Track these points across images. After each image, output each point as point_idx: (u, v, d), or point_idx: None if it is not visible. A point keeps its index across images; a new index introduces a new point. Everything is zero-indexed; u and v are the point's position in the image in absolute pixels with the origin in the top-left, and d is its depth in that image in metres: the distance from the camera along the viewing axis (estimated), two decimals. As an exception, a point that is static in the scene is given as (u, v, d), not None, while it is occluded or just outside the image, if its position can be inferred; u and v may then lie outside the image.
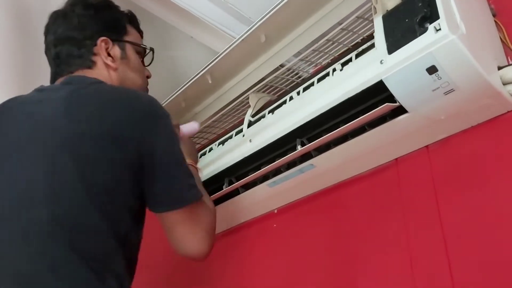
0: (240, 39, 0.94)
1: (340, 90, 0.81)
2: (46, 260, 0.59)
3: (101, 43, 0.81)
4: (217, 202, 1.08)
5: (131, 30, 0.88)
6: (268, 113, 1.02)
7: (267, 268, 1.09)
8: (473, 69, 0.65)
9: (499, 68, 0.71)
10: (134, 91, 0.76)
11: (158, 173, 0.68)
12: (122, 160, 0.66)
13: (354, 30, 0.93)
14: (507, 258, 0.65)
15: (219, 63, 1.01)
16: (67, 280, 0.59)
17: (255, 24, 0.91)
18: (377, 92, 0.77)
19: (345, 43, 0.97)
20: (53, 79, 0.82)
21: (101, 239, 0.63)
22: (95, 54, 0.81)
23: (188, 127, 0.99)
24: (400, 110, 0.76)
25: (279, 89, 1.16)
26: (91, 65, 0.80)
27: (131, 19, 0.90)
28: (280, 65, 1.08)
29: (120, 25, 0.86)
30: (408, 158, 0.87)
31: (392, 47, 0.72)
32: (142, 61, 0.90)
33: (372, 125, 0.83)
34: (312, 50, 0.97)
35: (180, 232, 0.70)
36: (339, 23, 0.92)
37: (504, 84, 0.70)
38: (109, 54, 0.82)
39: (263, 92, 1.17)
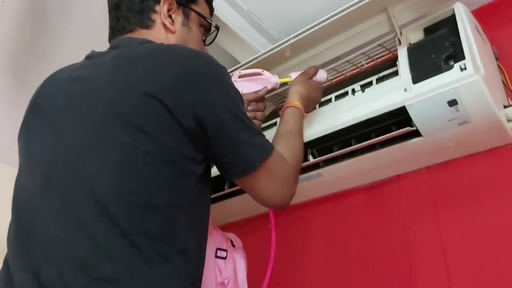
0: (269, 53, 1.00)
1: (361, 110, 0.88)
2: (97, 240, 0.54)
3: (165, 2, 0.77)
4: (216, 200, 1.12)
5: (201, 1, 0.83)
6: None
7: (259, 267, 1.14)
8: (488, 106, 0.75)
9: (505, 106, 0.82)
10: (187, 49, 0.69)
11: (222, 140, 0.63)
12: (177, 126, 0.59)
13: (372, 56, 1.01)
14: (502, 272, 0.75)
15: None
16: (125, 261, 0.53)
17: (287, 41, 0.96)
18: (395, 116, 0.85)
19: (360, 65, 1.05)
20: (111, 33, 0.78)
21: (159, 214, 0.57)
22: (155, 12, 0.76)
23: (322, 75, 0.93)
24: (415, 134, 0.85)
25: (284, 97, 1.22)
26: (149, 24, 0.75)
27: None
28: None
29: None
30: (409, 176, 0.97)
31: (417, 78, 0.81)
32: (204, 39, 0.86)
33: (383, 144, 0.91)
34: (331, 68, 1.05)
35: (256, 190, 0.67)
36: (360, 47, 0.99)
37: (508, 121, 0.81)
38: (170, 16, 0.77)
39: (269, 101, 1.23)
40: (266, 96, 0.96)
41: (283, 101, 1.20)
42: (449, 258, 0.82)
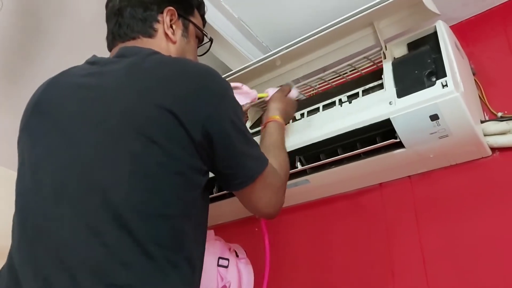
0: (260, 63, 1.02)
1: (348, 121, 0.92)
2: (110, 248, 0.55)
3: (168, 12, 0.78)
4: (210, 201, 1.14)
5: (197, 14, 0.86)
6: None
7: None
8: (466, 121, 0.80)
9: (482, 121, 0.88)
10: (196, 63, 0.71)
11: (227, 153, 0.65)
12: (188, 139, 0.61)
13: (357, 67, 1.05)
14: (478, 280, 0.80)
15: (231, 79, 1.07)
16: (137, 268, 0.54)
17: (278, 52, 0.99)
18: (380, 127, 0.89)
19: (345, 75, 1.09)
20: (112, 39, 0.78)
21: (170, 223, 0.59)
22: (158, 22, 0.78)
23: (294, 93, 1.00)
24: (398, 145, 0.89)
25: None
26: (152, 33, 0.77)
27: (200, 5, 0.88)
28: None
29: (189, 4, 0.84)
30: (392, 185, 1.01)
31: (401, 92, 0.85)
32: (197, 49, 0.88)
33: (368, 154, 0.95)
34: (318, 78, 1.08)
35: (252, 201, 0.70)
36: (346, 59, 1.03)
37: (485, 135, 0.86)
38: (171, 26, 0.79)
39: (258, 107, 1.26)
40: (255, 102, 1.00)
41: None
42: (428, 264, 0.87)
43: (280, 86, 1.02)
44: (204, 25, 0.91)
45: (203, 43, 0.90)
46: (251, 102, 0.96)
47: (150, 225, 0.57)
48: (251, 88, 1.02)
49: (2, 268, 0.64)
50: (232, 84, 0.96)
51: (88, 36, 1.18)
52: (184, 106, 0.61)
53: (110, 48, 0.80)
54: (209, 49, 0.92)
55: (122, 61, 0.70)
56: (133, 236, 0.56)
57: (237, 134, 0.67)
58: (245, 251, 1.00)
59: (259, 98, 0.98)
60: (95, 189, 0.58)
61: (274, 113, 0.91)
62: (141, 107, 0.61)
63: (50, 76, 1.33)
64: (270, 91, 0.99)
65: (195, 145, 0.62)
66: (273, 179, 0.72)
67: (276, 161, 0.77)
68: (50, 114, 0.67)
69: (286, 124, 0.98)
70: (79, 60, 1.06)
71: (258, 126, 1.14)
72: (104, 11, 0.84)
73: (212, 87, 0.66)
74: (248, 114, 1.21)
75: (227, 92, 0.68)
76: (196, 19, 0.86)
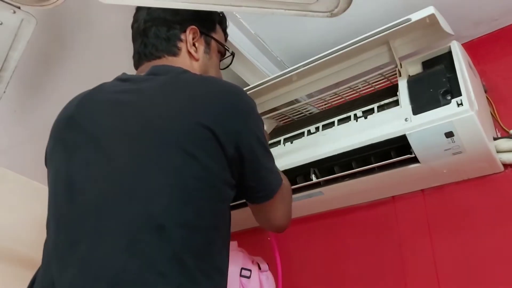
0: (278, 79, 1.05)
1: (364, 136, 0.95)
2: (148, 256, 0.56)
3: (190, 31, 0.81)
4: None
5: (219, 29, 0.89)
6: (285, 141, 1.14)
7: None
8: (481, 139, 0.83)
9: (494, 138, 0.90)
10: (225, 82, 0.74)
11: (253, 167, 0.69)
12: (222, 154, 0.64)
13: (371, 83, 1.08)
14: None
15: (250, 94, 1.10)
16: (173, 278, 0.56)
17: (296, 69, 1.02)
18: (395, 142, 0.92)
19: (359, 90, 1.12)
20: (138, 58, 0.82)
21: (203, 234, 0.62)
22: (181, 41, 0.81)
23: None
24: (413, 160, 0.92)
25: (286, 116, 1.28)
26: (176, 51, 0.80)
27: (222, 20, 0.91)
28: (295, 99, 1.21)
29: (211, 21, 0.87)
30: (405, 198, 1.04)
31: (417, 109, 0.88)
32: (219, 63, 0.91)
33: (382, 168, 0.98)
34: (332, 92, 1.11)
35: (270, 213, 0.75)
36: (362, 75, 1.06)
37: (497, 152, 0.89)
38: (194, 44, 0.82)
39: (271, 119, 1.29)
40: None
41: (287, 120, 1.27)
42: (441, 276, 0.89)
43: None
44: (226, 39, 0.94)
45: (225, 57, 0.93)
46: None
47: (186, 236, 0.60)
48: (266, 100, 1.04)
49: (33, 279, 0.67)
50: None
51: (109, 49, 1.22)
52: (219, 124, 0.65)
53: (136, 67, 0.84)
54: (231, 63, 0.96)
55: (156, 79, 0.73)
56: (170, 246, 0.58)
57: (262, 150, 0.71)
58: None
59: None
60: (135, 200, 0.60)
61: None
62: (180, 124, 0.64)
63: (71, 89, 1.37)
64: None
65: (228, 160, 0.65)
66: (287, 193, 0.78)
67: (284, 177, 0.81)
68: (85, 128, 0.69)
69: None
70: (98, 71, 1.10)
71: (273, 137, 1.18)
72: (124, 25, 0.87)
73: (242, 105, 0.70)
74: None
75: (254, 110, 0.73)
76: (218, 34, 0.90)
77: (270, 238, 1.24)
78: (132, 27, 0.85)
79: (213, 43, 0.87)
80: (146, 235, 0.58)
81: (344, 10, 0.69)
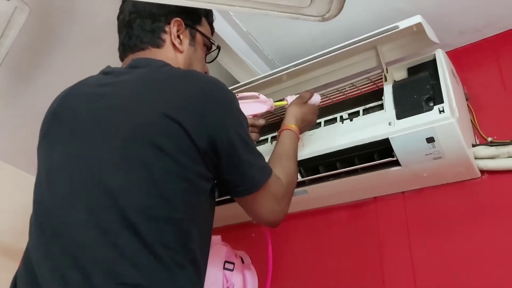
0: (268, 78, 1.07)
1: (349, 138, 0.97)
2: (121, 248, 0.58)
3: (175, 23, 0.82)
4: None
5: (204, 22, 0.89)
6: (272, 139, 1.16)
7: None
8: (460, 145, 0.87)
9: (473, 145, 0.94)
10: (203, 75, 0.75)
11: (231, 161, 0.69)
12: (193, 147, 0.64)
13: (358, 86, 1.11)
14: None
15: (239, 91, 1.12)
16: (147, 268, 0.58)
17: (286, 69, 1.05)
18: (378, 145, 0.95)
19: (346, 92, 1.15)
20: (123, 50, 0.83)
21: (177, 227, 0.63)
22: (165, 32, 0.81)
23: (316, 98, 1.01)
24: (394, 163, 0.95)
25: (274, 115, 1.30)
26: (160, 43, 0.80)
27: (208, 13, 0.91)
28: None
29: (196, 14, 0.87)
30: (386, 199, 1.07)
31: (400, 114, 0.91)
32: (205, 56, 0.91)
33: (365, 170, 1.01)
34: (321, 93, 1.14)
35: (254, 208, 0.74)
36: (349, 78, 1.09)
37: (475, 158, 0.93)
38: (178, 36, 0.82)
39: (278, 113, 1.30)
40: (272, 110, 1.02)
41: (275, 118, 1.29)
42: (418, 275, 0.93)
43: (299, 93, 1.02)
44: (212, 33, 0.95)
45: (211, 50, 0.93)
46: (267, 111, 0.99)
47: (158, 228, 0.61)
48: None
49: (18, 269, 0.68)
50: (249, 94, 1.00)
51: (99, 40, 1.22)
52: (188, 116, 0.65)
53: (122, 58, 0.84)
54: (216, 56, 0.96)
55: (135, 72, 0.74)
56: (142, 238, 0.59)
57: (242, 144, 0.70)
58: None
59: (277, 106, 1.01)
60: (107, 193, 0.61)
61: (290, 122, 0.92)
62: (150, 117, 0.65)
63: (58, 78, 1.36)
64: (289, 99, 1.00)
65: (200, 153, 0.65)
66: (277, 188, 0.76)
67: (282, 171, 0.80)
68: (66, 122, 0.71)
69: (308, 131, 1.01)
70: (89, 62, 1.10)
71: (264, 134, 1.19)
72: (115, 16, 0.87)
73: (217, 98, 0.70)
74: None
75: (232, 103, 0.72)
76: (204, 27, 0.90)
77: (255, 235, 1.26)
78: (118, 18, 0.86)
79: (198, 36, 0.87)
80: (118, 228, 0.59)
81: (335, 15, 0.71)
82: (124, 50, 0.83)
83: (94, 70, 0.82)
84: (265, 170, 0.75)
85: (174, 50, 0.82)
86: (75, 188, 0.64)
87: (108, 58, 0.85)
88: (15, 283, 0.67)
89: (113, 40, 0.93)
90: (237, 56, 1.16)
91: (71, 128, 0.70)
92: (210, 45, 0.92)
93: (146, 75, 0.72)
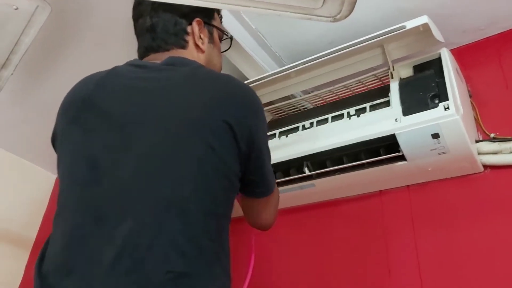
0: (277, 75, 1.11)
1: (356, 133, 1.01)
2: (170, 238, 0.61)
3: (196, 24, 0.83)
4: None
5: (216, 15, 0.91)
6: (280, 134, 1.19)
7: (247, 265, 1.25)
8: (464, 141, 0.90)
9: (476, 141, 0.97)
10: (240, 81, 0.78)
11: (257, 164, 0.74)
12: (236, 148, 0.69)
13: (364, 83, 1.14)
14: (469, 285, 0.91)
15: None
16: (192, 258, 0.61)
17: (295, 67, 1.08)
18: (384, 141, 0.98)
19: (353, 89, 1.18)
20: (145, 51, 0.84)
21: (218, 221, 0.67)
22: (188, 34, 0.83)
23: None
24: (400, 158, 0.99)
25: (282, 110, 1.33)
26: (184, 45, 0.82)
27: None
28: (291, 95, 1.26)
29: (210, 9, 0.88)
30: (391, 192, 1.11)
31: (407, 111, 0.95)
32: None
33: (371, 164, 1.04)
34: (327, 90, 1.17)
35: (260, 209, 0.81)
36: (356, 75, 1.12)
37: (478, 153, 0.96)
38: (200, 36, 0.84)
39: (267, 112, 1.34)
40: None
41: (283, 114, 1.32)
42: (423, 267, 0.96)
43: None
44: (221, 20, 0.96)
45: (223, 39, 0.96)
46: None
47: (205, 222, 0.65)
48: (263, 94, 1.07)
49: (42, 255, 0.68)
50: None
51: (112, 39, 1.24)
52: (237, 120, 0.69)
53: (142, 57, 0.85)
54: (230, 46, 0.99)
55: (175, 69, 0.76)
56: (190, 230, 0.63)
57: (266, 150, 0.77)
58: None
59: None
60: (160, 186, 0.64)
61: None
62: (203, 116, 0.68)
63: (71, 74, 1.38)
64: None
65: (239, 154, 0.70)
66: (277, 195, 0.85)
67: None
68: (104, 111, 0.71)
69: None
70: (101, 61, 1.12)
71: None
72: (130, 16, 0.88)
73: (255, 104, 0.75)
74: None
75: (263, 110, 0.78)
76: (216, 20, 0.92)
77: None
78: (136, 21, 0.86)
79: (214, 31, 0.89)
80: (171, 217, 0.62)
81: (346, 16, 0.74)
82: (147, 51, 0.84)
83: (106, 68, 0.81)
84: (274, 178, 0.82)
85: (196, 51, 0.84)
86: (130, 180, 0.65)
87: (122, 57, 0.86)
88: (42, 256, 0.67)
89: (126, 39, 0.95)
90: (246, 52, 1.18)
91: (112, 119, 0.70)
92: (222, 36, 0.95)
93: (191, 75, 0.74)
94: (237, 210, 0.80)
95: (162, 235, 0.61)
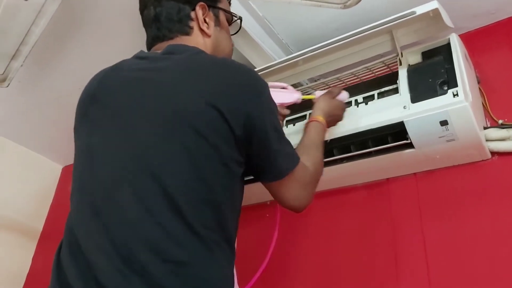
0: (285, 63, 1.10)
1: (364, 121, 1.01)
2: (165, 228, 0.62)
3: (199, 8, 0.83)
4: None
5: None
6: (287, 122, 1.19)
7: (254, 255, 1.27)
8: (473, 128, 0.90)
9: (484, 128, 0.97)
10: (238, 64, 0.77)
11: (263, 148, 0.72)
12: (230, 133, 0.68)
13: (373, 70, 1.14)
14: (476, 270, 0.91)
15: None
16: (189, 247, 0.62)
17: (303, 55, 1.08)
18: (392, 128, 0.98)
19: (361, 76, 1.18)
20: (152, 41, 0.84)
21: (215, 208, 0.67)
22: (192, 20, 0.83)
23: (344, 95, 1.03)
24: (408, 146, 0.99)
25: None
26: (189, 31, 0.82)
27: None
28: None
29: None
30: (398, 180, 1.11)
31: (415, 98, 0.94)
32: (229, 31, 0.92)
33: (378, 152, 1.04)
34: (335, 77, 1.16)
35: (280, 193, 0.77)
36: (364, 62, 1.11)
37: (486, 140, 0.96)
38: (205, 21, 0.84)
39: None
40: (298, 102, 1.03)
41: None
42: (430, 255, 0.97)
43: (328, 88, 1.05)
44: (230, 2, 0.96)
45: (232, 21, 0.94)
46: (293, 102, 1.02)
47: (199, 210, 0.65)
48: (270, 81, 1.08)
49: (60, 244, 0.71)
50: (279, 84, 1.03)
51: (120, 30, 1.23)
52: (227, 104, 0.68)
53: (149, 48, 0.86)
54: (240, 27, 0.98)
55: (173, 58, 0.76)
56: (185, 219, 0.64)
57: (273, 131, 0.74)
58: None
59: (303, 99, 1.03)
60: (152, 175, 0.65)
61: (317, 114, 0.95)
62: (192, 104, 0.68)
63: (78, 65, 1.38)
64: (317, 93, 1.02)
65: (235, 139, 0.69)
66: (304, 176, 0.79)
67: (309, 159, 0.83)
68: (107, 104, 0.74)
69: (333, 125, 1.03)
70: (108, 52, 1.12)
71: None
72: (137, 7, 0.89)
73: (253, 86, 0.73)
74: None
75: (265, 91, 0.75)
76: (223, 3, 0.91)
77: (269, 215, 1.30)
78: (142, 12, 0.87)
79: (221, 14, 0.89)
80: (163, 208, 0.63)
81: (356, 3, 0.74)
82: (153, 41, 0.85)
83: (114, 60, 0.83)
84: (293, 158, 0.78)
85: (202, 36, 0.84)
86: (119, 171, 0.67)
87: (129, 49, 0.87)
88: (58, 255, 0.70)
89: (135, 31, 0.95)
90: (253, 40, 1.17)
91: (112, 111, 0.73)
92: (231, 18, 0.93)
93: (185, 62, 0.75)
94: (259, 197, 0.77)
95: (155, 226, 0.63)
